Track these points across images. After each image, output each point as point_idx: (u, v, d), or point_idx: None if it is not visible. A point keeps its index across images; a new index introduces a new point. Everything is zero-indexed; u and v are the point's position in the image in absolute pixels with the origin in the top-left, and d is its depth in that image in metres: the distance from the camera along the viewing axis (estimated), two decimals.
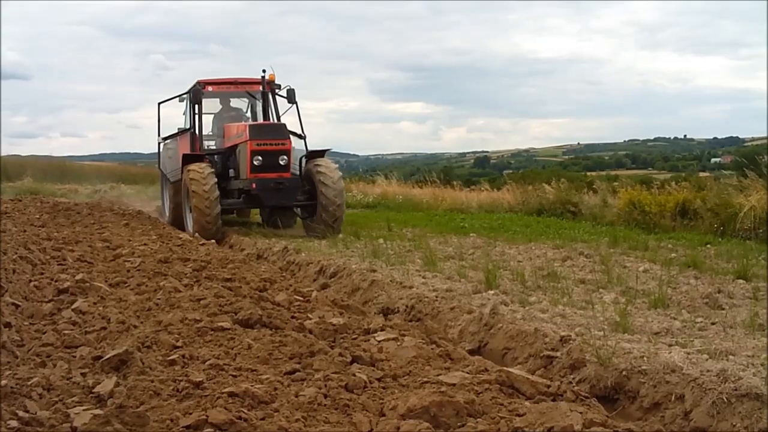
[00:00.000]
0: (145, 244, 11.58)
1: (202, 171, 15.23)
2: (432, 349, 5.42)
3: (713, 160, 72.85)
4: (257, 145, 15.36)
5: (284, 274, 10.03)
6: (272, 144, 15.49)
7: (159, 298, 6.81)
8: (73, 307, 6.38)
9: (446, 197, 26.44)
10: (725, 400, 4.25)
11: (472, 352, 6.02)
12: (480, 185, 28.94)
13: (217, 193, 15.13)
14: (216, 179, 15.32)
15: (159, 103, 18.85)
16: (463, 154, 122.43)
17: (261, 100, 17.89)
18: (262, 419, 3.69)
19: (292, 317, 6.29)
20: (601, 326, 6.02)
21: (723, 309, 7.11)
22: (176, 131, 18.68)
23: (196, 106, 17.35)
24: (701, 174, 33.93)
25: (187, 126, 18.07)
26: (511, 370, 4.81)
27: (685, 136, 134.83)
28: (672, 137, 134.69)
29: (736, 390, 4.26)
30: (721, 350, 5.34)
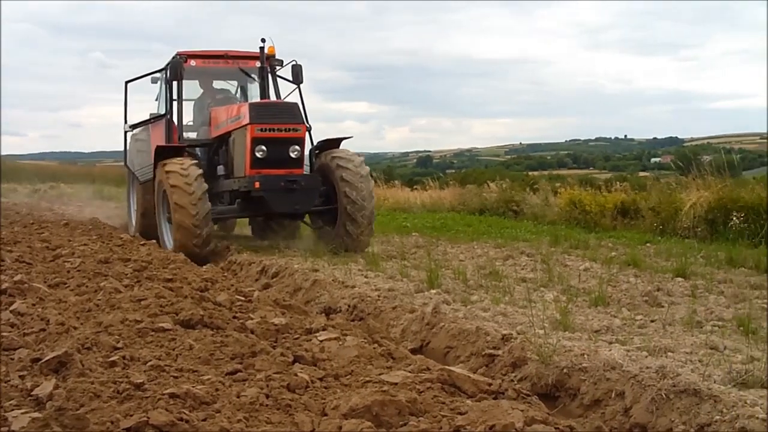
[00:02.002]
0: (85, 244, 11.41)
1: (182, 163, 12.02)
2: (374, 348, 5.41)
3: (653, 159, 73.88)
4: (260, 130, 11.83)
5: (226, 274, 9.97)
6: (281, 129, 11.95)
7: (99, 299, 6.70)
8: (11, 308, 6.23)
9: (389, 197, 26.50)
10: (664, 396, 4.31)
11: (414, 351, 6.03)
12: (423, 184, 29.04)
13: (206, 186, 11.81)
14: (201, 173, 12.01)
15: (126, 83, 14.92)
16: (406, 154, 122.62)
17: (258, 80, 13.98)
18: (204, 420, 3.65)
19: (234, 317, 6.24)
20: (542, 324, 6.07)
21: (662, 307, 7.21)
22: (148, 117, 14.87)
23: (175, 84, 13.63)
24: (641, 173, 34.51)
25: (162, 111, 14.25)
26: (452, 368, 4.82)
27: (625, 136, 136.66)
28: (613, 137, 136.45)
29: (674, 386, 4.31)
30: (660, 347, 5.43)
